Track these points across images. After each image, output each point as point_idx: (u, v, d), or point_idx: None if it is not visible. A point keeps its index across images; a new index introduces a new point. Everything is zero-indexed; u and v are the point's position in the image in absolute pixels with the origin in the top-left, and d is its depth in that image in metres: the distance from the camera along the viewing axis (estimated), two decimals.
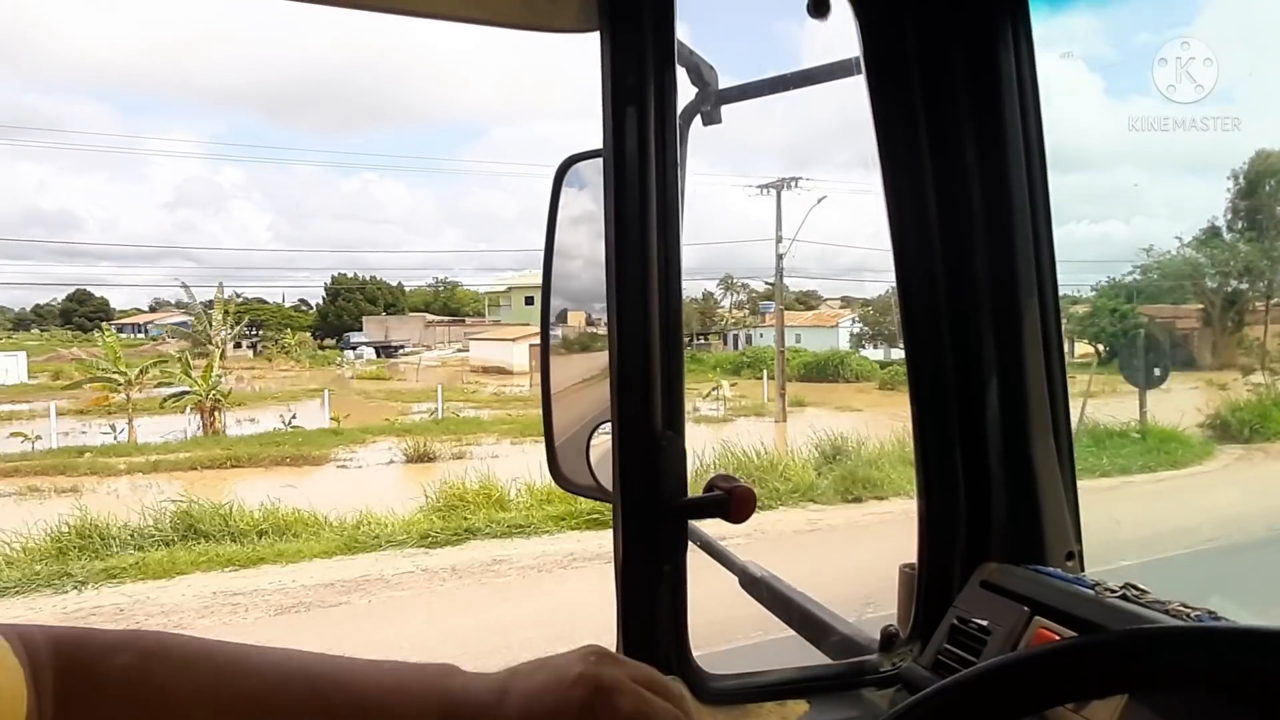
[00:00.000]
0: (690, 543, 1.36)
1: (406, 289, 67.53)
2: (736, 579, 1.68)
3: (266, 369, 42.05)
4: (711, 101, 1.54)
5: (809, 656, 1.43)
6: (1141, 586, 1.17)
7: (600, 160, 1.28)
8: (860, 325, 43.52)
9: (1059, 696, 0.71)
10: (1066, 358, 1.41)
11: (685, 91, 1.43)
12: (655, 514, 1.15)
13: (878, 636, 1.39)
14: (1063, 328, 1.38)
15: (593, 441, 1.46)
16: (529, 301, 56.43)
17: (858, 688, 1.32)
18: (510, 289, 60.12)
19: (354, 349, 51.60)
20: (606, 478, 1.39)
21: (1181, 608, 1.09)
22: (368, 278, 63.49)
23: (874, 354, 40.11)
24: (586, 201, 1.43)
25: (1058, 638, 1.14)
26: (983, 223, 1.30)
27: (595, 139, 1.20)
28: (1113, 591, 1.16)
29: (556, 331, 1.53)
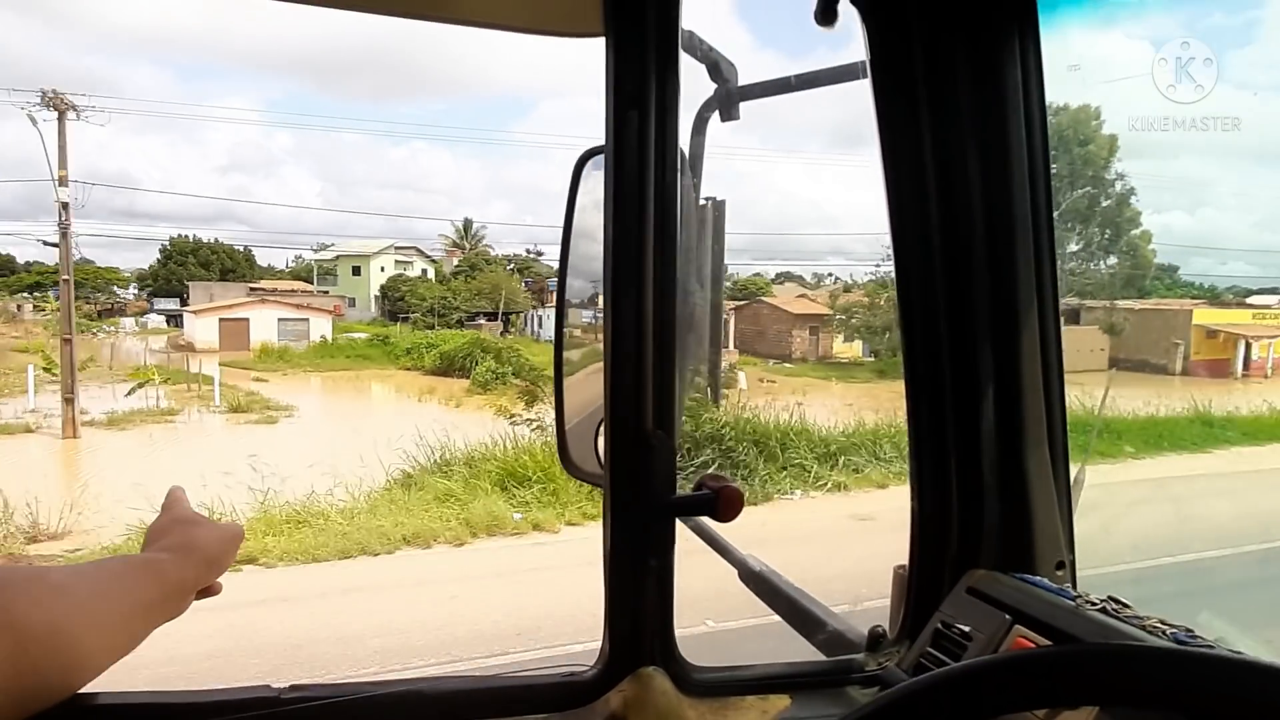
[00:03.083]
0: (696, 535, 1.51)
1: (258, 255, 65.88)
2: (737, 572, 1.71)
3: None
4: (731, 99, 1.56)
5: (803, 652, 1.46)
6: (1124, 600, 1.19)
7: None
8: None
9: (1006, 706, 0.72)
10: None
11: (705, 88, 1.53)
12: (644, 510, 1.18)
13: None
14: (1061, 340, 1.40)
15: (601, 430, 1.44)
16: (355, 272, 55.00)
17: (841, 685, 1.34)
18: (339, 258, 57.91)
19: (139, 316, 50.37)
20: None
21: (1159, 624, 1.11)
22: (207, 240, 61.60)
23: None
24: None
25: (1033, 646, 1.17)
26: (983, 233, 1.31)
27: None
28: (1093, 604, 1.18)
29: (586, 314, 1.51)
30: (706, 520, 1.46)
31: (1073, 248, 37.74)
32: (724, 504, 1.17)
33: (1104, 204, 36.15)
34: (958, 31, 1.26)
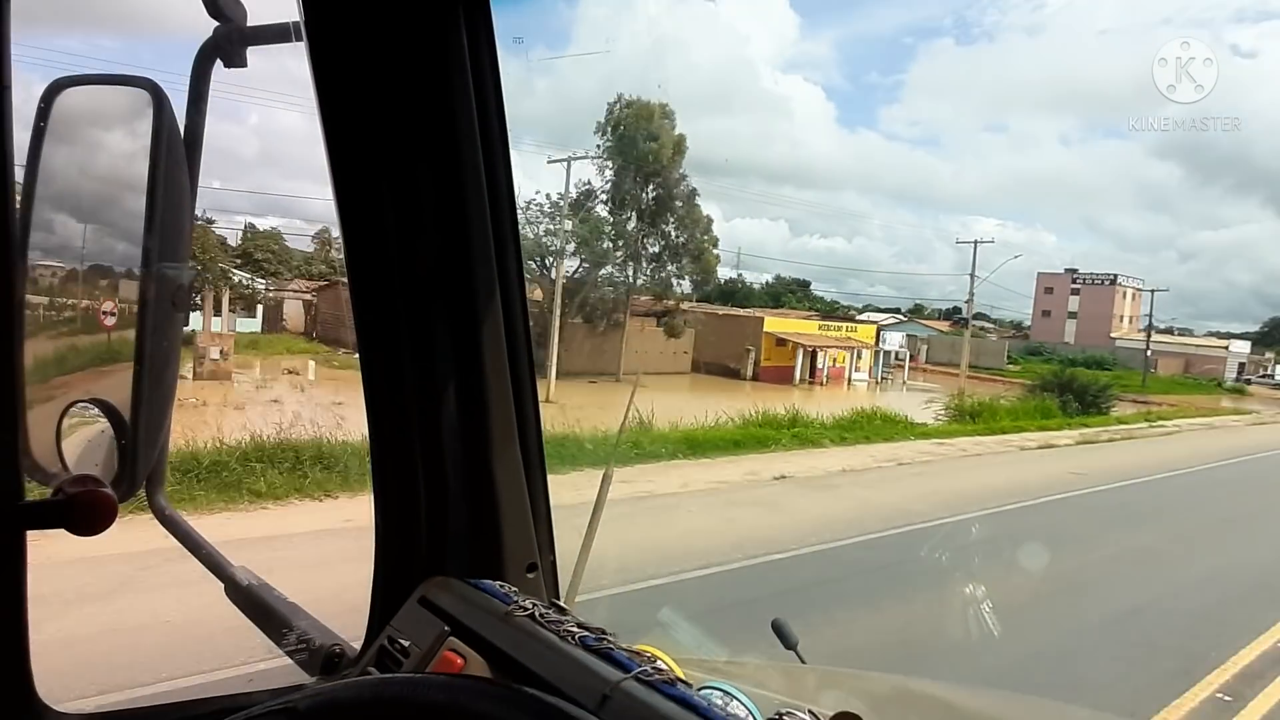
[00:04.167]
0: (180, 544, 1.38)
1: None
2: (223, 587, 1.49)
3: None
4: (232, 41, 1.32)
5: None
6: (562, 605, 1.19)
7: (102, 87, 1.18)
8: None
9: None
10: None
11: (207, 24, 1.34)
12: None
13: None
14: (530, 333, 1.35)
15: (66, 421, 1.20)
16: None
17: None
18: None
19: None
20: (79, 462, 1.17)
21: (576, 629, 1.09)
22: None
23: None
24: (82, 130, 1.26)
25: (461, 660, 1.13)
26: (435, 220, 1.23)
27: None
28: (525, 610, 1.15)
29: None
30: (191, 526, 1.40)
31: (653, 249, 39.55)
32: (83, 513, 0.95)
33: (677, 206, 38.04)
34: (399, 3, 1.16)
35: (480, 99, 1.20)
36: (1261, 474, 19.76)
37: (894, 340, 57.91)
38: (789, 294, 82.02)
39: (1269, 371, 65.50)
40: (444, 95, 1.18)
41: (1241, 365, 66.02)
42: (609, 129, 37.16)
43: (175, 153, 1.18)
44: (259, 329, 37.26)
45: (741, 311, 50.60)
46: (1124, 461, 18.66)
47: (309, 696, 0.85)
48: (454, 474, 1.31)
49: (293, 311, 40.97)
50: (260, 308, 39.05)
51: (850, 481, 14.06)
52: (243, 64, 1.34)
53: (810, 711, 0.97)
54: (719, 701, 1.09)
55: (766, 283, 78.78)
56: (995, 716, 2.05)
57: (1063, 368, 36.95)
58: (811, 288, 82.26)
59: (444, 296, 1.25)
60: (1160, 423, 30.67)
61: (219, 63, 1.32)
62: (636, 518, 10.29)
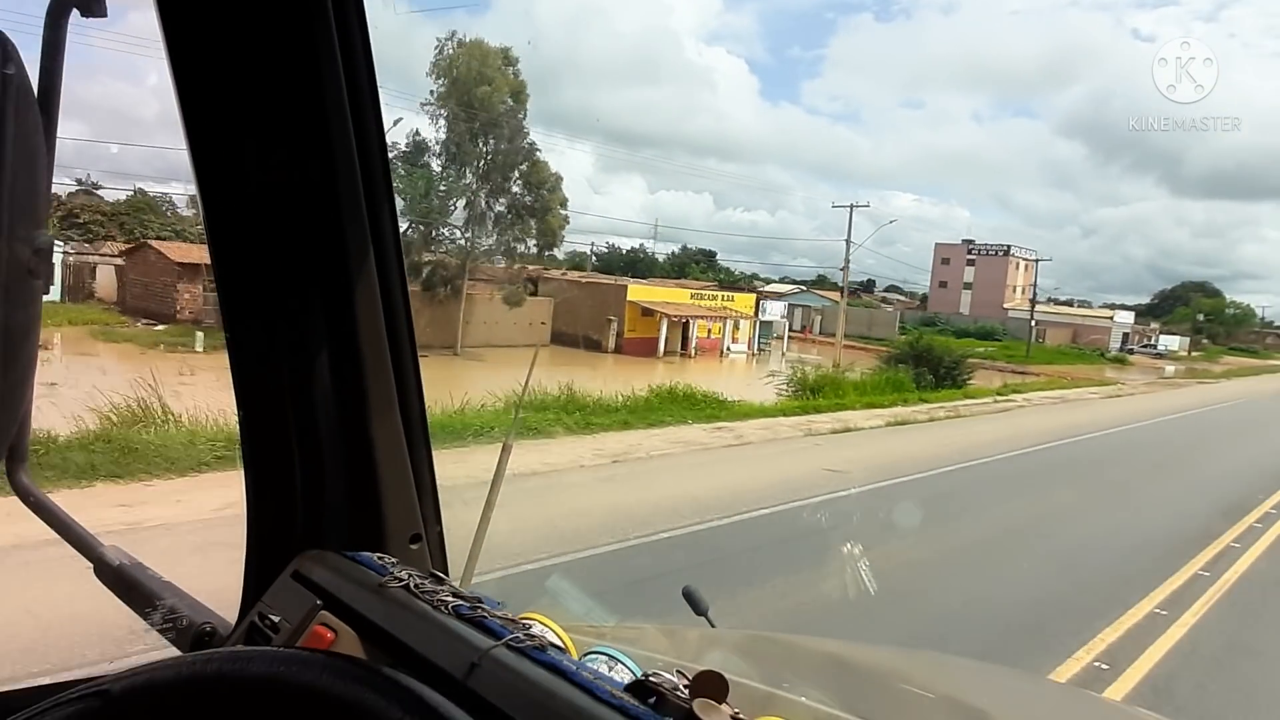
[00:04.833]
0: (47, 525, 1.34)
1: None
2: (93, 567, 1.44)
3: None
4: None
5: None
6: (440, 576, 1.16)
7: None
8: None
9: None
10: None
11: None
12: None
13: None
14: (408, 297, 1.30)
15: None
16: None
17: None
18: None
19: None
20: None
21: (451, 598, 1.07)
22: None
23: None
24: None
25: (332, 634, 1.10)
26: (303, 179, 1.16)
27: None
28: (400, 581, 1.13)
29: None
30: (57, 505, 1.38)
31: (498, 209, 36.23)
32: None
33: (518, 161, 34.81)
34: None
35: (347, 53, 1.14)
36: (1070, 461, 16.93)
37: (775, 310, 55.39)
38: (694, 264, 79.69)
39: (1151, 341, 65.44)
40: (307, 50, 1.12)
41: (1126, 335, 65.89)
42: (439, 72, 33.50)
43: (26, 110, 1.05)
44: (56, 297, 33.14)
45: (605, 279, 47.52)
46: (916, 451, 15.74)
47: (124, 678, 0.82)
48: (330, 444, 1.27)
49: (104, 279, 36.71)
50: (58, 274, 34.78)
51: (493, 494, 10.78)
52: (102, 13, 1.22)
53: (678, 671, 0.95)
54: (603, 667, 1.09)
55: (672, 253, 76.31)
56: (890, 670, 2.09)
57: (918, 337, 34.82)
58: (719, 258, 79.99)
59: (315, 258, 1.19)
60: (1011, 396, 28.74)
61: (75, 12, 1.21)
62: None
